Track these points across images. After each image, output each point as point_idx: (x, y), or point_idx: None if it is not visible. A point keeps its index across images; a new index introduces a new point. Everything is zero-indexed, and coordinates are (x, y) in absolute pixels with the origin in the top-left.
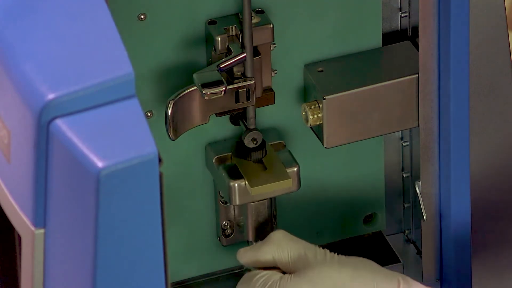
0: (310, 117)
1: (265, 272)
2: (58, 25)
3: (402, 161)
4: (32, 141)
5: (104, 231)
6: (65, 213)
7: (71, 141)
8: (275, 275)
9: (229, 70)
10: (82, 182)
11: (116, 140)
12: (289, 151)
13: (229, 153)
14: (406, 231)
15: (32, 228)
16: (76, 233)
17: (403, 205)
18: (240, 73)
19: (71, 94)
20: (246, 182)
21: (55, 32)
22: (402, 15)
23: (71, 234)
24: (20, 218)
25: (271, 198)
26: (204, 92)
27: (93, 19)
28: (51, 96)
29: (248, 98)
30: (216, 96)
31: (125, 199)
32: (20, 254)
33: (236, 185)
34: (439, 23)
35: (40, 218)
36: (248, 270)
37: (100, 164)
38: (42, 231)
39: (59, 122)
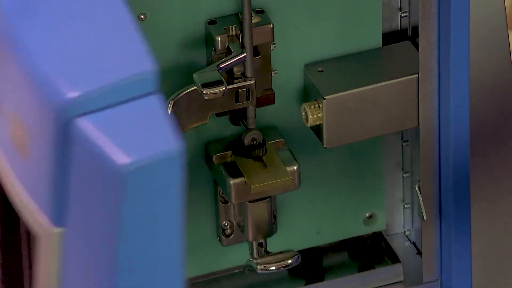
0: (310, 117)
1: None
2: (76, 21)
3: (402, 161)
4: (52, 139)
5: (127, 227)
6: (86, 211)
7: (94, 139)
8: None
9: (229, 70)
10: (106, 180)
11: (140, 136)
12: (289, 149)
13: (229, 151)
14: (406, 231)
15: (51, 227)
16: (97, 231)
17: (403, 205)
18: (240, 73)
19: (93, 91)
20: (246, 180)
21: (74, 28)
22: (402, 15)
23: (92, 232)
24: (39, 218)
25: (271, 198)
26: (204, 92)
27: (112, 15)
28: (72, 94)
29: (248, 98)
30: (216, 96)
31: (150, 195)
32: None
33: (235, 183)
34: (439, 23)
35: (60, 217)
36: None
37: (125, 160)
38: (61, 230)
39: (81, 120)
